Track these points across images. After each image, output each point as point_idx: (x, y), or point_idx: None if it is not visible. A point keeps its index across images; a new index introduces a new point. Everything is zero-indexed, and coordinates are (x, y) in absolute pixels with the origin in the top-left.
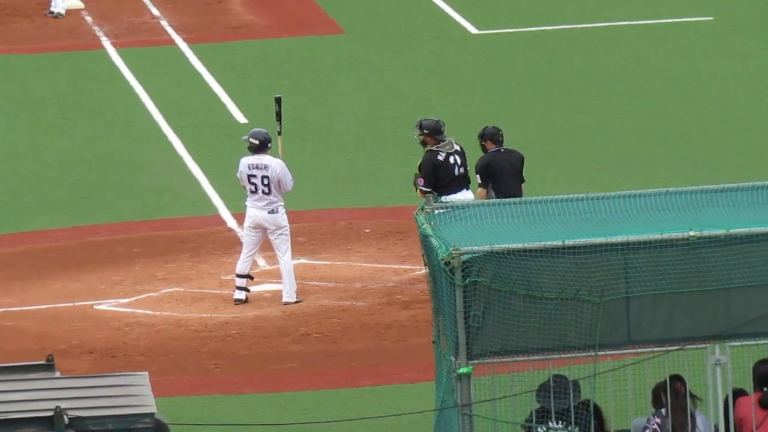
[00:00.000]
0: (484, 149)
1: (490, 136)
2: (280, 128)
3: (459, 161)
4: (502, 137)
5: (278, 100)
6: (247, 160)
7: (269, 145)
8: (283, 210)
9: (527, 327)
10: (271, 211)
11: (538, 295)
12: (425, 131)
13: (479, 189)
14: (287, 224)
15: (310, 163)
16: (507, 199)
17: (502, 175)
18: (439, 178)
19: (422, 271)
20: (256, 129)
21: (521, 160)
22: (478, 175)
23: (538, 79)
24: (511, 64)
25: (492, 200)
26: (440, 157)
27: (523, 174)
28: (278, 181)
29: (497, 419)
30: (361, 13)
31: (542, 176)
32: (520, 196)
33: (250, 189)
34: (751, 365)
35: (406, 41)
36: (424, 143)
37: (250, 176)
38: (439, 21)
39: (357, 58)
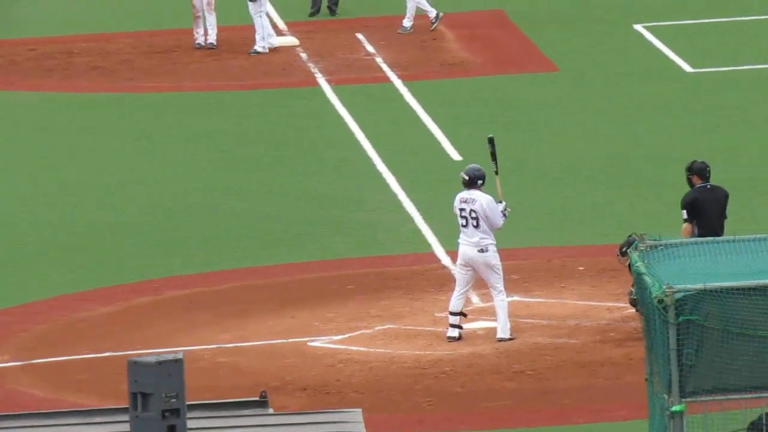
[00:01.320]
0: (691, 183)
1: (698, 171)
2: (497, 167)
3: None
4: (709, 173)
5: (491, 140)
6: (460, 195)
7: (479, 182)
8: (494, 248)
9: (740, 365)
10: (481, 250)
11: (751, 333)
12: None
13: (684, 225)
14: (498, 262)
15: (526, 200)
16: (719, 237)
17: (708, 211)
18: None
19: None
20: (469, 165)
21: (726, 197)
22: (684, 211)
23: (752, 117)
24: (725, 102)
25: (705, 239)
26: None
27: (726, 211)
28: (486, 216)
29: None
30: (575, 51)
31: (756, 214)
32: (722, 233)
33: (461, 223)
34: None
35: (621, 79)
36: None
37: (460, 210)
38: (653, 59)
39: (572, 96)
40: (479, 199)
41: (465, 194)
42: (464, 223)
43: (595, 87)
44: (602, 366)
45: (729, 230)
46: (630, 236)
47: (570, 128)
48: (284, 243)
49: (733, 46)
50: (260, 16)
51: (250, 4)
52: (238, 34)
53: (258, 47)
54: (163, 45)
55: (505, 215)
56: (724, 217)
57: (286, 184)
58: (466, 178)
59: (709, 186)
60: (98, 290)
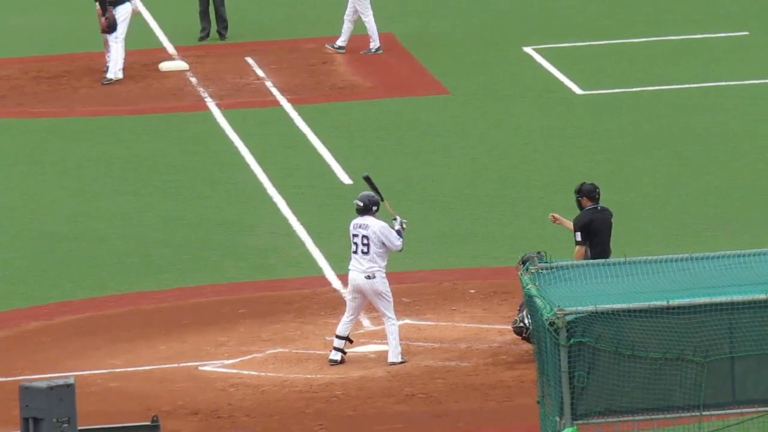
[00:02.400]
0: (580, 206)
1: (587, 193)
2: (382, 197)
3: None
4: (599, 194)
5: (367, 179)
6: (354, 221)
7: (373, 208)
8: (382, 275)
9: (632, 387)
10: (368, 276)
11: (642, 355)
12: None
13: (578, 247)
14: (387, 289)
15: (416, 223)
16: (610, 260)
17: (601, 233)
18: None
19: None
20: (363, 192)
21: (611, 217)
22: (578, 233)
23: (641, 138)
24: (614, 124)
25: (596, 260)
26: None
27: (612, 232)
28: (381, 243)
29: None
30: (466, 74)
31: (646, 236)
32: (610, 253)
33: (352, 249)
34: None
35: (511, 101)
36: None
37: (353, 235)
38: (543, 81)
39: (462, 119)
40: (372, 226)
41: (359, 220)
42: (354, 249)
43: (485, 110)
44: (494, 388)
45: (615, 252)
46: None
47: (460, 151)
48: (175, 267)
49: (622, 67)
50: (116, 42)
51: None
52: (127, 59)
53: (110, 74)
54: (53, 70)
55: (403, 228)
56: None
57: (177, 209)
58: (360, 204)
59: (599, 207)
60: None
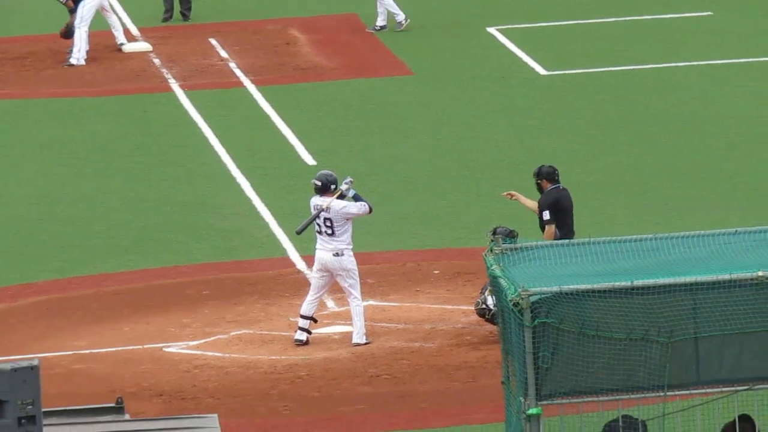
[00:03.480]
0: (540, 189)
1: (547, 175)
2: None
3: None
4: (558, 175)
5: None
6: (313, 201)
7: (332, 187)
8: (350, 253)
9: (596, 367)
10: (336, 254)
11: (606, 335)
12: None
13: (548, 226)
14: (354, 267)
15: (379, 204)
16: (575, 240)
17: (566, 211)
18: None
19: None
20: (321, 171)
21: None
22: (546, 212)
23: (605, 119)
24: (579, 105)
25: (561, 241)
26: None
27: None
28: (345, 218)
29: None
30: (430, 55)
31: (611, 216)
32: (574, 234)
33: (316, 230)
34: None
35: (475, 82)
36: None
37: (316, 216)
38: (507, 62)
39: (426, 100)
40: (333, 207)
41: (318, 200)
42: (319, 230)
43: (449, 90)
44: (458, 369)
45: (579, 233)
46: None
47: (424, 132)
48: (139, 249)
49: (586, 48)
50: (80, 28)
51: (71, 15)
52: (90, 41)
53: (72, 59)
54: (17, 52)
55: (356, 197)
56: None
57: (141, 190)
58: (318, 184)
59: (561, 187)
60: None
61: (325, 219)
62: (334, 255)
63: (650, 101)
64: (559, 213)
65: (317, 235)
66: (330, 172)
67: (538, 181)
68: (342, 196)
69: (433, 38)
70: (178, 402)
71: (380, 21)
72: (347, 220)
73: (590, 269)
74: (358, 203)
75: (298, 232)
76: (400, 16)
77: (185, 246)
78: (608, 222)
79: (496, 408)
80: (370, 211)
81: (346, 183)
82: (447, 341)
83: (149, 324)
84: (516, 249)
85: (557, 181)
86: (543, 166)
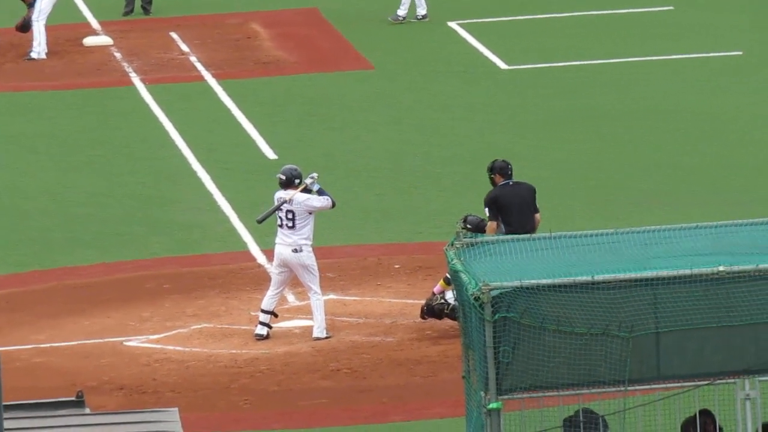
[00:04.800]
0: (494, 183)
1: (500, 170)
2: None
3: None
4: (511, 170)
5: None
6: (277, 195)
7: (296, 181)
8: (309, 249)
9: (557, 362)
10: (295, 250)
11: (567, 330)
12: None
13: (489, 223)
14: (313, 263)
15: (340, 198)
16: (536, 235)
17: (510, 207)
18: None
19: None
20: (285, 165)
21: (532, 191)
22: (486, 209)
23: (566, 114)
24: (539, 99)
25: (522, 236)
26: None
27: (537, 205)
28: (309, 212)
29: None
30: (391, 49)
31: (571, 211)
32: (533, 227)
33: (278, 223)
34: None
35: (436, 77)
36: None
37: (278, 209)
38: (468, 57)
39: (387, 94)
40: (296, 199)
41: (282, 194)
42: (280, 223)
43: (410, 85)
44: (419, 364)
45: (540, 227)
46: (471, 216)
47: (384, 126)
48: (99, 243)
49: (548, 43)
50: (38, 22)
51: (29, 9)
52: (51, 34)
53: (33, 53)
54: None
55: (320, 191)
56: (535, 211)
57: (101, 184)
58: (283, 178)
59: (511, 183)
60: None
61: (287, 211)
62: (293, 251)
63: (611, 96)
64: (501, 210)
65: (278, 228)
66: (295, 166)
67: (492, 176)
68: (307, 191)
69: (394, 32)
70: (138, 396)
71: (401, 11)
72: (309, 213)
73: (551, 264)
74: (321, 197)
75: (259, 221)
76: (422, 9)
77: (146, 240)
78: (568, 217)
79: (456, 403)
80: (333, 205)
81: (311, 177)
82: (408, 335)
83: (110, 318)
84: (477, 243)
85: (510, 176)
86: (497, 160)
